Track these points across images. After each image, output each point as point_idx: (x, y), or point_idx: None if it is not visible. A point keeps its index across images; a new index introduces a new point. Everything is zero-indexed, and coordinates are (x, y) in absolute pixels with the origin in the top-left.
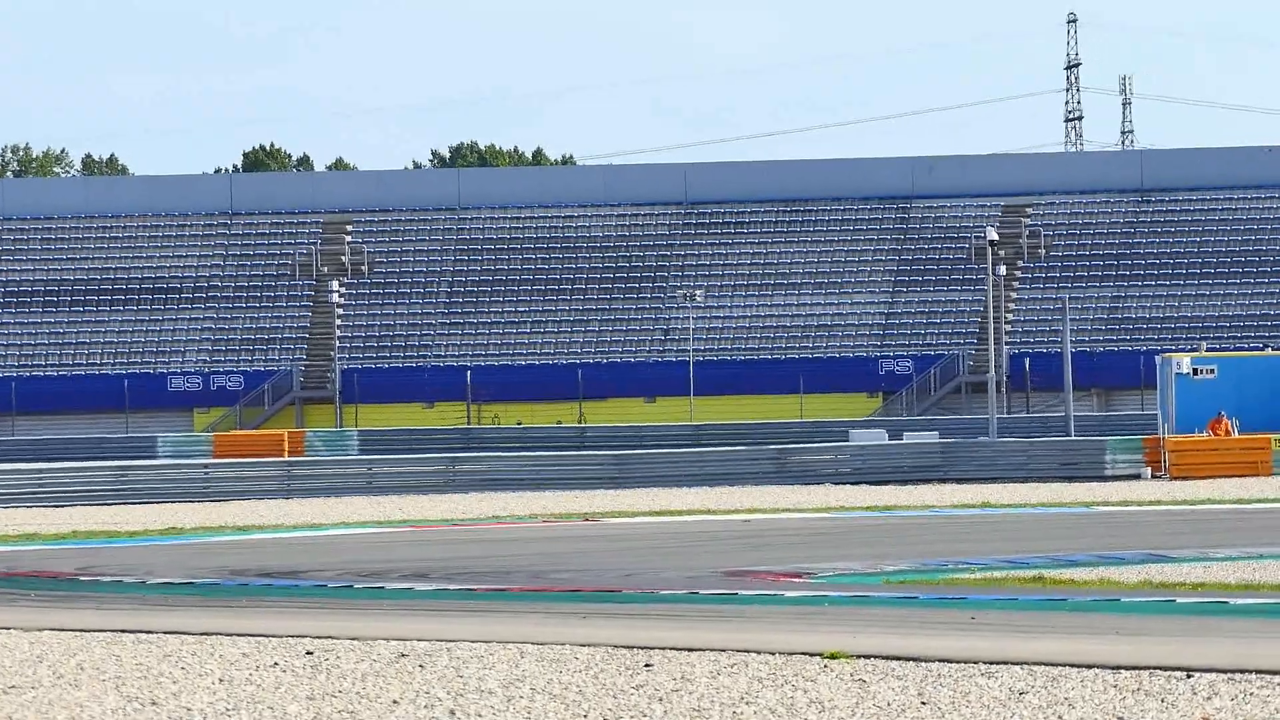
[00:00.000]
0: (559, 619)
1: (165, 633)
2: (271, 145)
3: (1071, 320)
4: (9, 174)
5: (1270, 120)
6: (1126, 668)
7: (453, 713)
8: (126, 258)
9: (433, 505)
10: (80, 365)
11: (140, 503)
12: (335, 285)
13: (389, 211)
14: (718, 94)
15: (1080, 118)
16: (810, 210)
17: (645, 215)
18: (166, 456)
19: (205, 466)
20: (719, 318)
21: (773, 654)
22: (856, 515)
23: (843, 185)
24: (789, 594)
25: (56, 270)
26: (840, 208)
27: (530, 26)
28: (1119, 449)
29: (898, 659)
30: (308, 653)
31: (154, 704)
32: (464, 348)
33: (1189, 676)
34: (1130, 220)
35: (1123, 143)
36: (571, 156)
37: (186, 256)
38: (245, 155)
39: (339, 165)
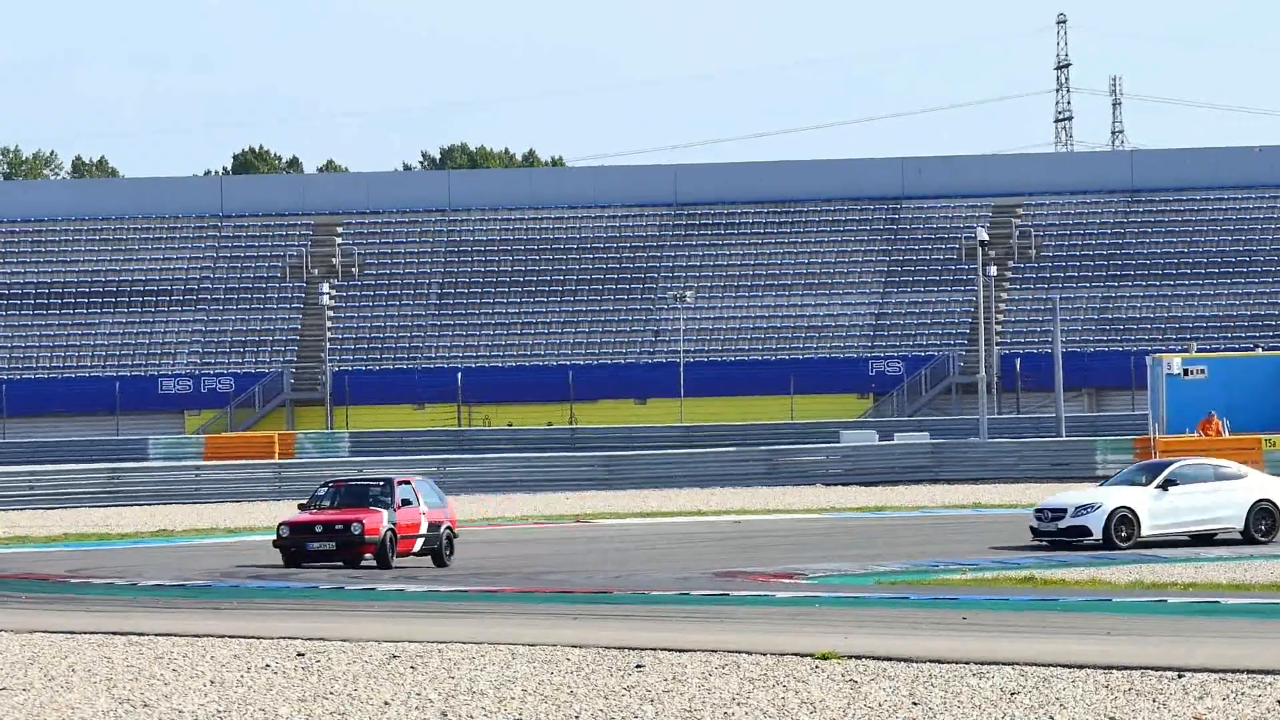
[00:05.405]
0: (550, 620)
1: (157, 635)
2: (261, 147)
3: (1062, 320)
4: None
5: (1259, 121)
6: (1118, 668)
7: (444, 714)
8: (117, 260)
9: None
10: (71, 367)
11: (131, 505)
12: (326, 287)
13: (379, 213)
14: (707, 95)
15: (1070, 118)
16: (800, 211)
17: (635, 216)
18: (157, 459)
19: (196, 469)
20: (709, 319)
21: (764, 655)
22: (848, 516)
23: (833, 186)
24: (780, 595)
25: (47, 272)
26: (830, 208)
27: (520, 29)
28: (1110, 449)
29: (889, 660)
30: (299, 654)
31: (145, 706)
32: (455, 349)
33: (1180, 676)
34: (1120, 220)
35: (1112, 143)
36: (562, 158)
37: (177, 259)
38: (235, 157)
39: (329, 167)
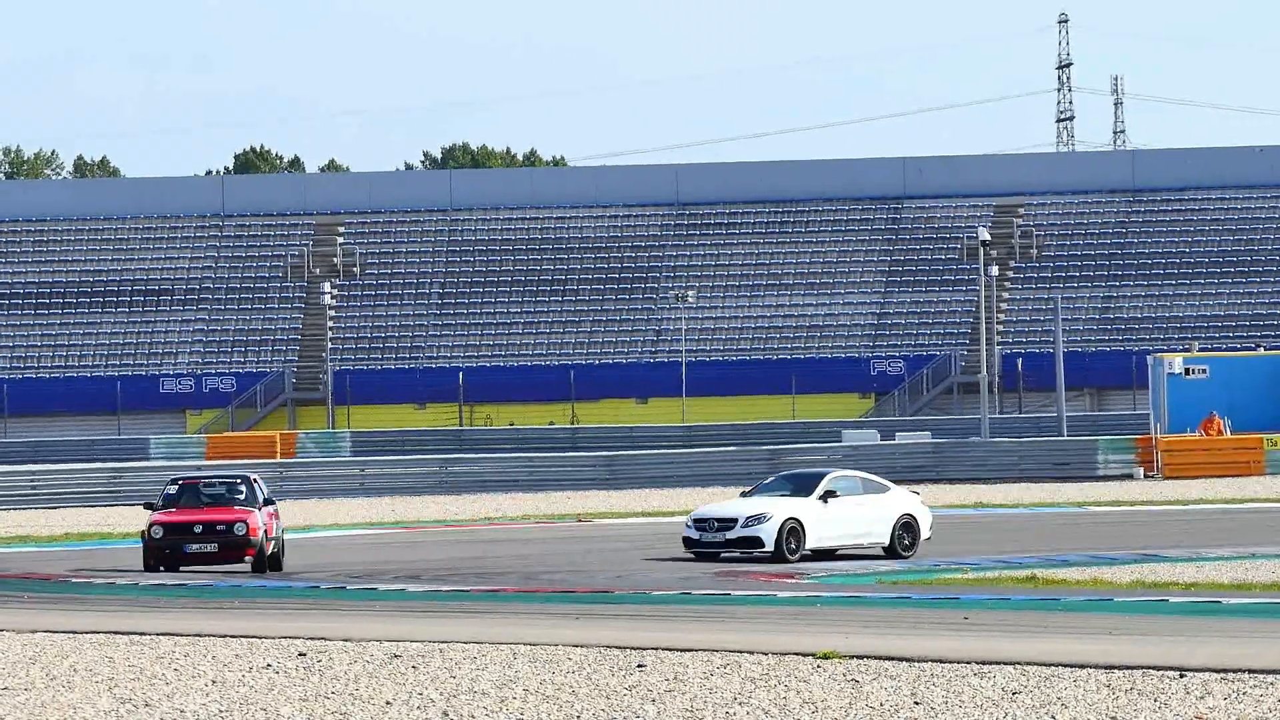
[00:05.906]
0: (552, 620)
1: (158, 634)
2: (262, 147)
3: (1063, 320)
4: (0, 176)
5: (1260, 121)
6: (1120, 667)
7: (446, 714)
8: (118, 259)
9: (425, 506)
10: (72, 367)
11: (133, 504)
12: (327, 287)
13: (381, 213)
14: (707, 95)
15: (1071, 118)
16: (802, 211)
17: (637, 216)
18: (159, 458)
19: (197, 468)
20: (711, 318)
21: (765, 654)
22: None
23: (834, 186)
24: (781, 594)
25: (48, 272)
26: (832, 208)
27: (520, 29)
28: (1111, 449)
29: (891, 659)
30: (300, 654)
31: (147, 705)
32: (456, 349)
33: (1182, 676)
34: (1122, 220)
35: (1114, 143)
36: (563, 158)
37: (178, 258)
38: (236, 157)
39: (331, 167)
